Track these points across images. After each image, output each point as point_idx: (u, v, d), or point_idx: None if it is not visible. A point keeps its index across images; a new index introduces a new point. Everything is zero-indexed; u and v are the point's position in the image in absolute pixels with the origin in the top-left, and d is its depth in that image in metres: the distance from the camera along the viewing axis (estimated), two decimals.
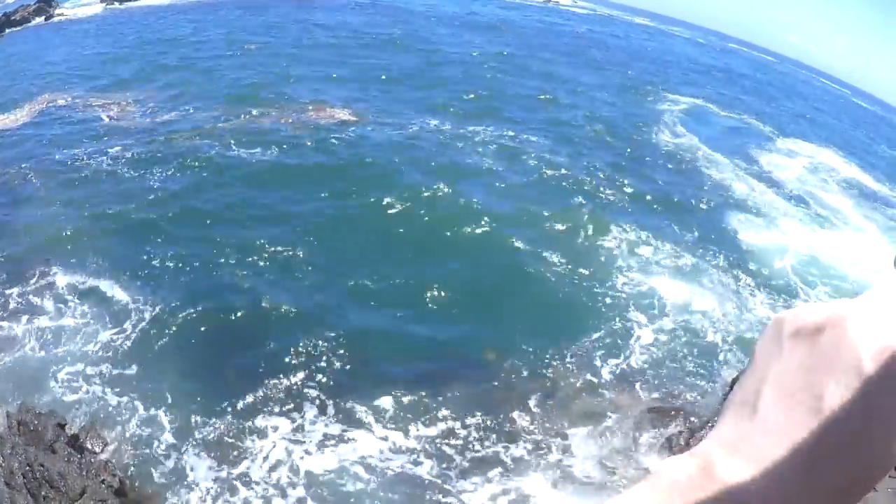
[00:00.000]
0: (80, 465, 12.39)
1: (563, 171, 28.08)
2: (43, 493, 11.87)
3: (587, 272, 20.78)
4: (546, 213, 23.69)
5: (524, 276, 20.34)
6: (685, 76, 60.23)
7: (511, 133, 32.31)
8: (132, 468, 13.18)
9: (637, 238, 23.35)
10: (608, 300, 19.67)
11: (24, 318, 17.33)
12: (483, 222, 22.52)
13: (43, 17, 66.78)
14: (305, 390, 15.07)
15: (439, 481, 13.15)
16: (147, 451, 13.63)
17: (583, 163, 29.41)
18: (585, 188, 26.73)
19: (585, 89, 45.02)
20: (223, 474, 13.23)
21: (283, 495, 12.84)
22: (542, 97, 40.41)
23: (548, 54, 56.54)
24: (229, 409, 14.57)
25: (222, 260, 19.83)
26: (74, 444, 12.99)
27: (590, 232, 23.18)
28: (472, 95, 38.35)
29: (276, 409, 14.58)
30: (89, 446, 13.22)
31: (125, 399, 14.78)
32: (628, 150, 32.55)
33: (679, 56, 77.58)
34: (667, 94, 48.59)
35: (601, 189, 27.06)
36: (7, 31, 62.90)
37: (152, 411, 14.50)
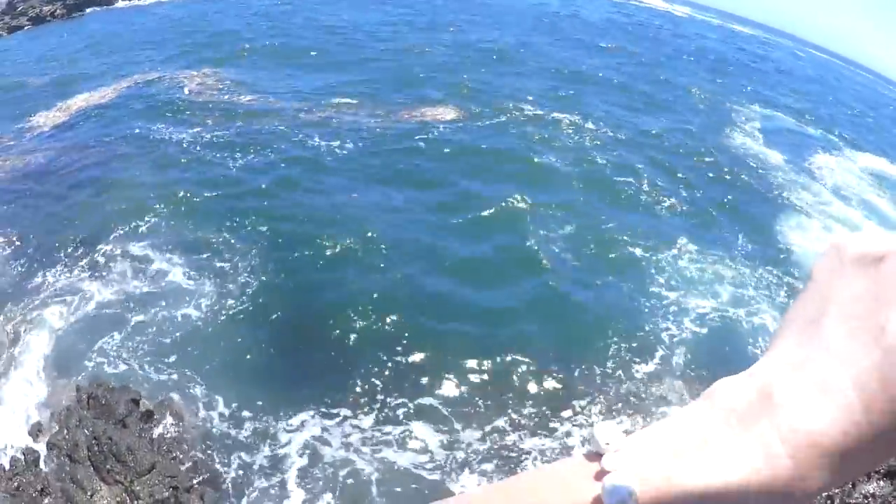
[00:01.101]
0: (152, 440, 12.76)
1: (629, 173, 28.11)
2: (108, 466, 12.18)
3: (638, 276, 20.59)
4: (602, 215, 23.58)
5: (576, 279, 20.15)
6: (771, 85, 59.12)
7: (588, 128, 32.85)
8: (204, 445, 13.37)
9: (689, 241, 22.95)
10: (654, 306, 19.06)
11: (102, 288, 18.19)
12: (536, 226, 22.90)
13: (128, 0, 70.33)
14: (359, 384, 15.17)
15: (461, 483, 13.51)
16: (217, 430, 13.82)
17: (650, 166, 29.12)
18: (645, 190, 26.53)
19: (670, 93, 44.97)
20: (279, 460, 13.42)
21: (321, 483, 13.11)
22: (627, 99, 41.00)
23: (644, 58, 56.73)
24: (294, 397, 14.72)
25: (294, 246, 20.39)
26: (148, 420, 13.34)
27: (640, 233, 23.10)
28: (557, 89, 39.40)
29: (330, 401, 14.71)
30: (163, 423, 13.51)
31: (197, 377, 15.13)
32: (696, 157, 31.89)
33: (770, 65, 76.18)
34: (748, 102, 47.81)
35: (661, 190, 27.06)
36: (88, 10, 66.34)
37: (223, 390, 14.77)
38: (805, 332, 0.80)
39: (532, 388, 15.72)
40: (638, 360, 17.12)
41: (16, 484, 12.49)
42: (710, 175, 30.39)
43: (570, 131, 32.26)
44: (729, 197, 28.28)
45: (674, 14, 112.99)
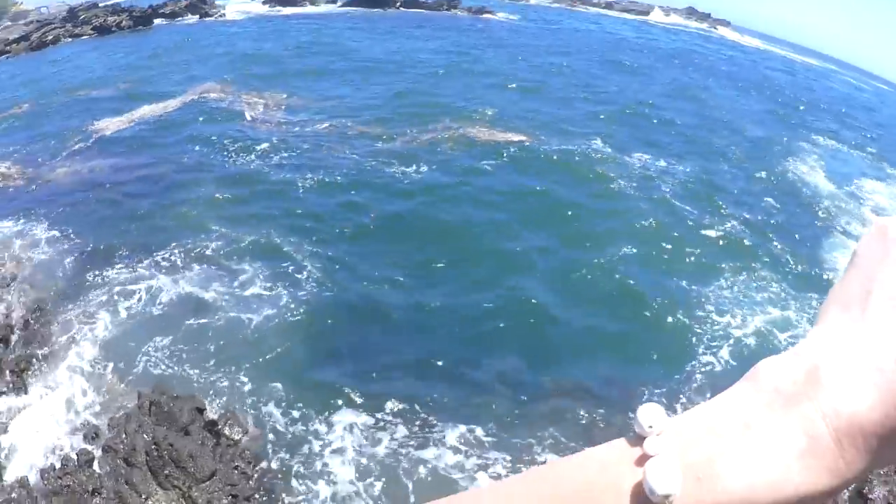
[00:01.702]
0: (214, 449, 13.13)
1: (687, 201, 28.92)
2: (166, 472, 12.58)
3: (687, 304, 21.13)
4: (659, 243, 24.58)
5: (627, 303, 20.92)
6: (834, 116, 58.78)
7: (652, 158, 33.68)
8: (267, 456, 13.86)
9: (744, 274, 23.47)
10: (704, 331, 19.94)
11: (163, 291, 19.13)
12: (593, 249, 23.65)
13: (197, 16, 72.77)
14: (419, 399, 15.77)
15: None
16: (281, 441, 14.31)
17: (706, 197, 29.82)
18: (701, 220, 27.34)
19: (733, 123, 45.40)
20: (339, 475, 13.72)
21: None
22: (691, 129, 41.66)
23: (711, 89, 57.55)
24: (358, 413, 15.24)
25: (357, 267, 21.21)
26: (212, 429, 13.73)
27: (696, 261, 23.81)
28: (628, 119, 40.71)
29: (391, 417, 15.17)
30: (227, 432, 13.93)
31: (262, 387, 15.70)
32: (754, 186, 32.14)
33: (833, 95, 75.68)
34: (810, 133, 47.58)
35: (719, 220, 27.67)
36: (156, 21, 68.73)
37: (288, 402, 15.33)
38: (851, 311, 0.82)
39: (570, 410, 16.03)
40: (680, 385, 17.47)
41: (66, 483, 12.78)
42: (767, 204, 30.77)
43: (635, 161, 33.03)
44: (784, 227, 28.60)
45: (742, 45, 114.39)
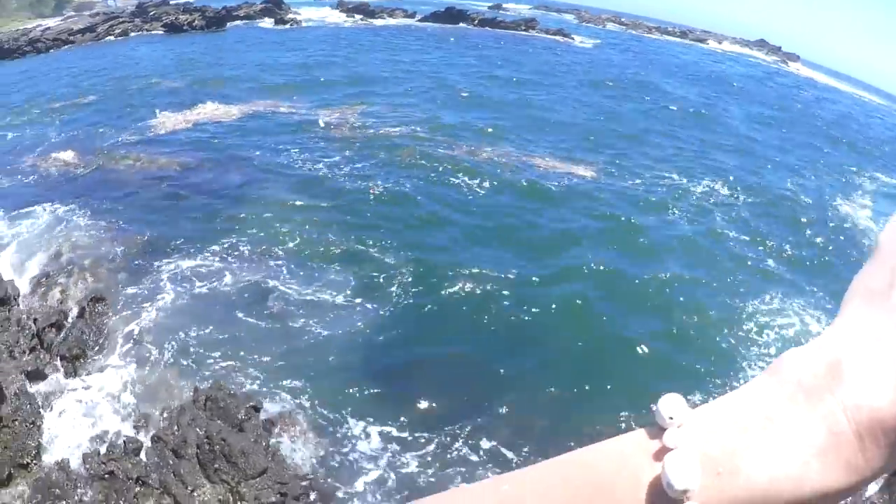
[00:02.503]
0: (268, 447, 13.56)
1: (737, 233, 29.41)
2: (216, 465, 13.02)
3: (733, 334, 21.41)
4: (702, 275, 24.85)
5: (665, 337, 20.99)
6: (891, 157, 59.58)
7: (708, 190, 34.10)
8: (321, 459, 14.26)
9: (783, 300, 23.85)
10: (750, 355, 20.32)
11: (221, 295, 19.69)
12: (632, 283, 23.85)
13: (273, 21, 74.64)
14: (477, 418, 16.03)
15: None
16: (338, 447, 14.67)
17: (754, 230, 30.35)
18: (747, 251, 27.89)
19: (796, 158, 46.27)
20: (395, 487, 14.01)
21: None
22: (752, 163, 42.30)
23: (780, 123, 58.80)
24: (416, 425, 15.57)
25: (423, 281, 21.71)
26: (267, 428, 14.22)
27: (738, 285, 24.26)
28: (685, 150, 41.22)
29: (445, 433, 15.49)
30: (283, 433, 14.49)
31: (322, 392, 16.09)
32: (805, 223, 32.64)
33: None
34: (869, 170, 47.81)
35: (768, 250, 28.37)
36: (229, 24, 70.56)
37: (346, 408, 15.73)
38: (873, 303, 0.83)
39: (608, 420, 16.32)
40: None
41: (110, 469, 13.14)
42: (812, 238, 31.31)
43: (696, 190, 33.71)
44: (825, 262, 29.08)
45: (808, 79, 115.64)
